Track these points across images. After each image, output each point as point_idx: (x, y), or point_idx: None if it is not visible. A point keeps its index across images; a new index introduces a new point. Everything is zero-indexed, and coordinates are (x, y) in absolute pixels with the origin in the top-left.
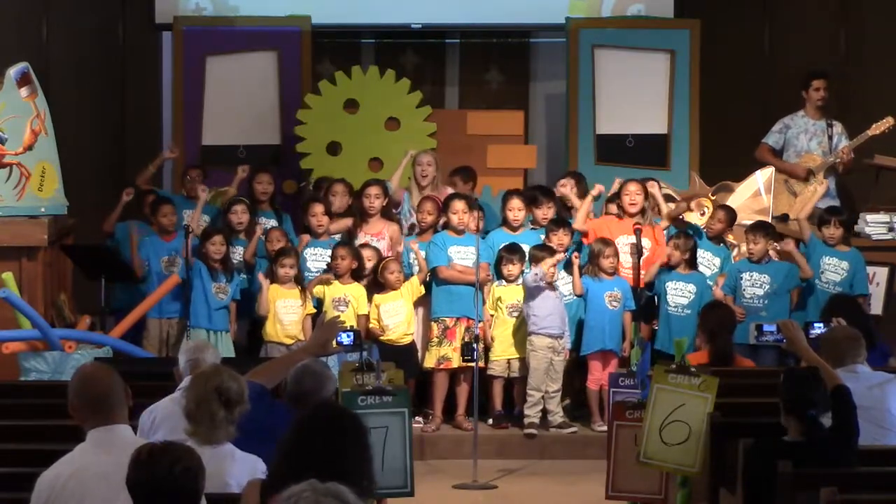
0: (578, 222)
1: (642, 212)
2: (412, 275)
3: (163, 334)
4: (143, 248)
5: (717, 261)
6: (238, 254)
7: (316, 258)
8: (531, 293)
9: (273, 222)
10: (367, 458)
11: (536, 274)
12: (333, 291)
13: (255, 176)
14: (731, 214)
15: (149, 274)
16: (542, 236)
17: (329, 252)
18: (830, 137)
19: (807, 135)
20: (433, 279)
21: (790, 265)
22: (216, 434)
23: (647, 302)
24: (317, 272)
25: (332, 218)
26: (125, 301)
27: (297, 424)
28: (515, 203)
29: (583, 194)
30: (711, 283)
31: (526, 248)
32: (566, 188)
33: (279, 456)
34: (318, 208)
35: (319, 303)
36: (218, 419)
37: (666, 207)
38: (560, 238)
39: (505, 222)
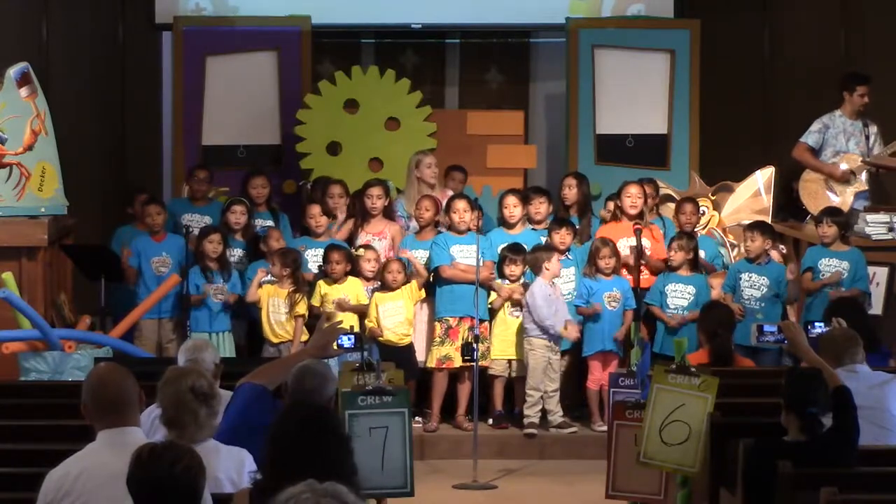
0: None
1: (640, 214)
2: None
3: (158, 335)
4: (133, 254)
5: (702, 253)
6: (234, 255)
7: (316, 259)
8: (540, 298)
9: (269, 223)
10: (347, 452)
11: (543, 288)
12: (333, 293)
13: (249, 180)
14: (696, 204)
15: (140, 276)
16: (544, 237)
17: None
18: (867, 137)
19: (845, 135)
20: (436, 279)
21: (785, 273)
22: (201, 433)
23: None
24: (318, 274)
25: (331, 219)
26: (122, 303)
27: (274, 428)
28: (511, 200)
29: (585, 195)
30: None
31: (527, 248)
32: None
33: (261, 463)
34: (316, 209)
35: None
36: (201, 417)
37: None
38: (563, 237)
39: (503, 222)
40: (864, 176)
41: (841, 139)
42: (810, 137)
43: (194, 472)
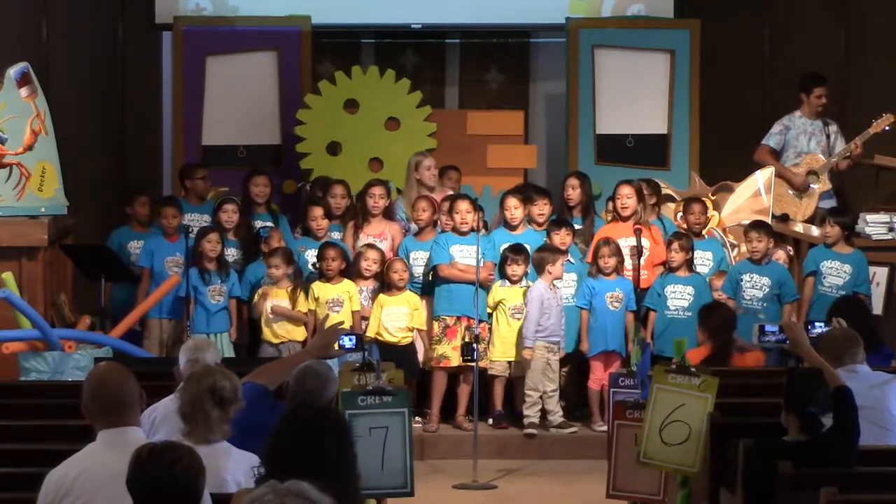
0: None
1: (635, 213)
2: (414, 276)
3: (162, 334)
4: (145, 256)
5: (709, 255)
6: (228, 254)
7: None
8: (540, 303)
9: (269, 224)
10: (351, 455)
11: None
12: (327, 293)
13: (251, 179)
14: (704, 205)
15: (152, 277)
16: (546, 238)
17: None
18: (828, 136)
19: (806, 135)
20: (434, 278)
21: (788, 276)
22: (212, 434)
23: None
24: (315, 273)
25: (332, 220)
26: (122, 303)
27: (276, 428)
28: (512, 202)
29: (588, 195)
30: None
31: (529, 248)
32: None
33: (263, 462)
34: (318, 211)
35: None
36: (213, 419)
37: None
38: (562, 238)
39: (504, 222)
40: (826, 175)
41: (802, 140)
42: (771, 139)
43: (194, 472)
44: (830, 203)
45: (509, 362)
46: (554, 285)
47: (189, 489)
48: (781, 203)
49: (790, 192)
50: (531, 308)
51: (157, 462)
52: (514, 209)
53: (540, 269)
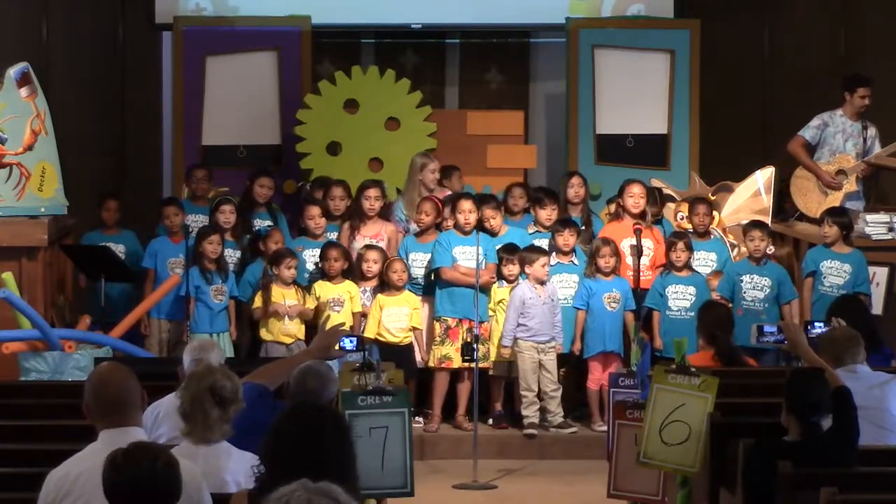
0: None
1: (642, 213)
2: (413, 277)
3: (163, 334)
4: (149, 257)
5: (713, 255)
6: (227, 255)
7: (315, 259)
8: (521, 303)
9: (268, 222)
10: (351, 454)
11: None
12: (328, 292)
13: (256, 179)
14: (710, 205)
15: (156, 277)
16: (539, 240)
17: None
18: (865, 140)
19: (843, 135)
20: (436, 280)
21: (786, 276)
22: (211, 433)
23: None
24: (315, 273)
25: (330, 220)
26: (122, 303)
27: (275, 427)
28: (488, 213)
29: (588, 194)
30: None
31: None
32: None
33: (262, 461)
34: (315, 210)
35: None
36: (212, 419)
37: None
38: (566, 239)
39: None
40: (855, 177)
41: (839, 139)
42: (808, 132)
43: (175, 470)
44: (857, 204)
45: (509, 361)
46: (543, 283)
47: (171, 486)
48: (807, 199)
49: (817, 189)
50: (509, 309)
51: (137, 462)
52: (493, 219)
53: (522, 270)
